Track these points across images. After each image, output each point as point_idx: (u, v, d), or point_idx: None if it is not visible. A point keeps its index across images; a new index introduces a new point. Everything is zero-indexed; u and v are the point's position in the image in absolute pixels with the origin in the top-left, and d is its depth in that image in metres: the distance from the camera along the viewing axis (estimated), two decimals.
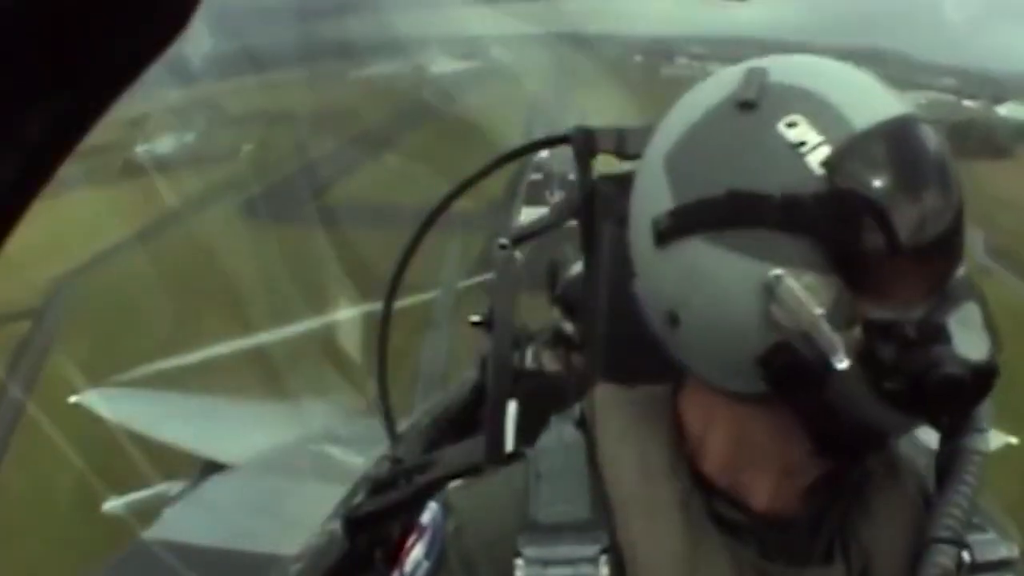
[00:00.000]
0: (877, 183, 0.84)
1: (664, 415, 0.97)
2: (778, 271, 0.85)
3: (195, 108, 20.94)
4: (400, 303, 2.21)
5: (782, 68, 0.91)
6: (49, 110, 0.39)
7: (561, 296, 2.71)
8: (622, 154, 1.42)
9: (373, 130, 21.92)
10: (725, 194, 0.87)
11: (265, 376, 10.53)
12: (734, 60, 0.95)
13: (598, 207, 1.38)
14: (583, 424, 1.01)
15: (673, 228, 0.89)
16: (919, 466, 1.03)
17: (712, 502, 0.93)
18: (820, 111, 0.87)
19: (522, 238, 1.83)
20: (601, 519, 0.92)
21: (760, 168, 0.86)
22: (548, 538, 0.91)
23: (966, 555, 0.94)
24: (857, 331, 0.85)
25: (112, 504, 8.38)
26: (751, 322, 0.86)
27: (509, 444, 1.79)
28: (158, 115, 18.11)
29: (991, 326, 0.89)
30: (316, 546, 2.24)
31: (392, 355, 2.31)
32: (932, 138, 0.89)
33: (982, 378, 0.87)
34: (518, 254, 1.84)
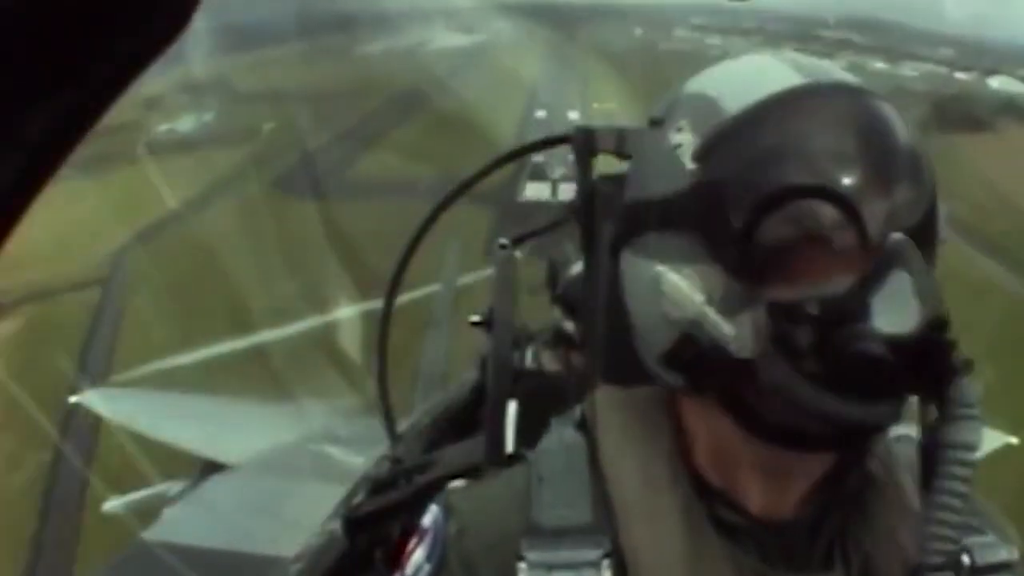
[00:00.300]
0: (738, 167, 0.85)
1: (664, 416, 0.97)
2: (660, 267, 0.89)
3: (204, 87, 21.26)
4: (401, 300, 2.21)
5: (699, 78, 0.94)
6: (49, 110, 0.39)
7: (561, 296, 2.71)
8: (622, 154, 1.42)
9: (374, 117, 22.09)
10: (627, 206, 0.95)
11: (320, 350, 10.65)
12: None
13: (598, 207, 1.38)
14: (584, 426, 1.01)
15: (613, 242, 0.98)
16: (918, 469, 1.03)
17: (712, 505, 0.93)
18: (702, 109, 0.90)
19: (522, 238, 1.83)
20: (603, 523, 0.92)
21: (652, 176, 0.92)
22: (551, 542, 0.91)
23: (965, 558, 0.94)
24: (761, 315, 0.84)
25: (112, 504, 8.38)
26: (654, 321, 0.91)
27: (509, 444, 1.79)
28: (170, 94, 18.45)
29: (926, 294, 0.82)
30: (316, 546, 2.24)
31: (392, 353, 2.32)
32: (822, 108, 0.85)
33: (907, 352, 0.81)
34: (518, 254, 1.84)
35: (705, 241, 0.87)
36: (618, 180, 1.07)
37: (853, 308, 0.82)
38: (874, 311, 0.81)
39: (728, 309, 0.85)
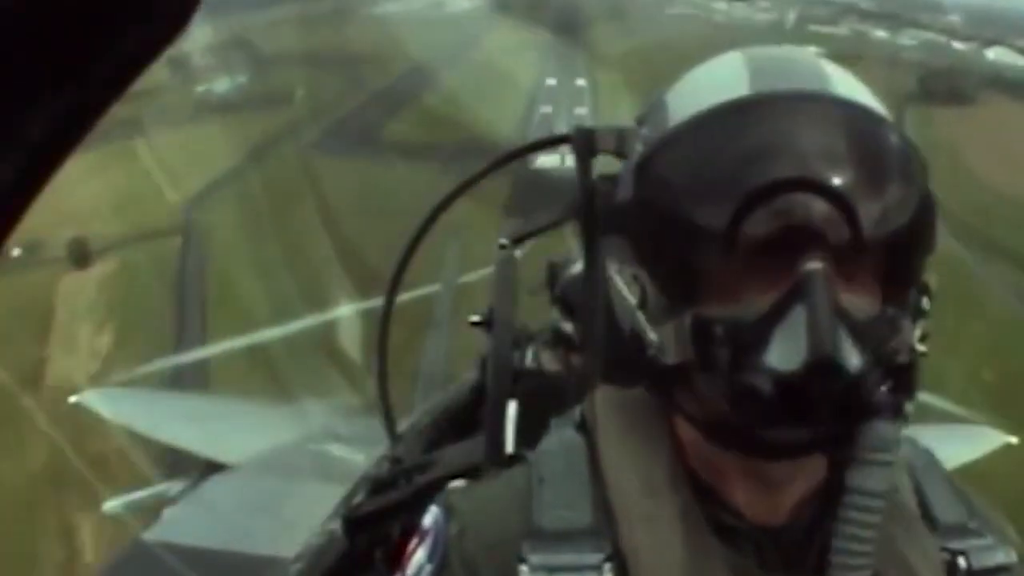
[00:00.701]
0: (663, 181, 0.87)
1: (662, 418, 0.97)
2: (612, 270, 0.93)
3: (228, 47, 21.79)
4: (401, 300, 2.21)
5: (678, 81, 0.95)
6: (49, 110, 0.39)
7: (560, 296, 2.71)
8: (622, 154, 1.42)
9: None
10: (604, 207, 1.00)
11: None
12: None
13: (598, 207, 1.39)
14: (583, 427, 1.01)
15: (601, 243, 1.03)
16: (916, 471, 1.03)
17: (711, 508, 0.93)
18: (656, 117, 0.93)
19: (522, 238, 1.83)
20: (604, 525, 0.92)
21: (621, 179, 0.96)
22: (552, 545, 0.91)
23: (962, 561, 0.94)
24: (683, 327, 0.85)
25: (112, 504, 8.38)
26: (613, 321, 0.95)
27: (509, 444, 1.79)
28: (197, 54, 19.07)
29: (819, 332, 0.78)
30: (316, 546, 2.24)
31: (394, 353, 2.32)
32: (759, 120, 0.84)
33: (793, 391, 0.79)
34: (518, 253, 1.84)
35: (636, 247, 0.90)
36: (617, 179, 1.08)
37: (754, 337, 0.81)
38: (771, 343, 0.80)
39: (655, 316, 0.88)
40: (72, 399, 9.17)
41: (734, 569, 0.90)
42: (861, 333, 0.81)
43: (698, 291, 0.84)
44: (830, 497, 0.92)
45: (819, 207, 0.80)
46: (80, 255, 13.49)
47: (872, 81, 0.92)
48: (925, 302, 0.90)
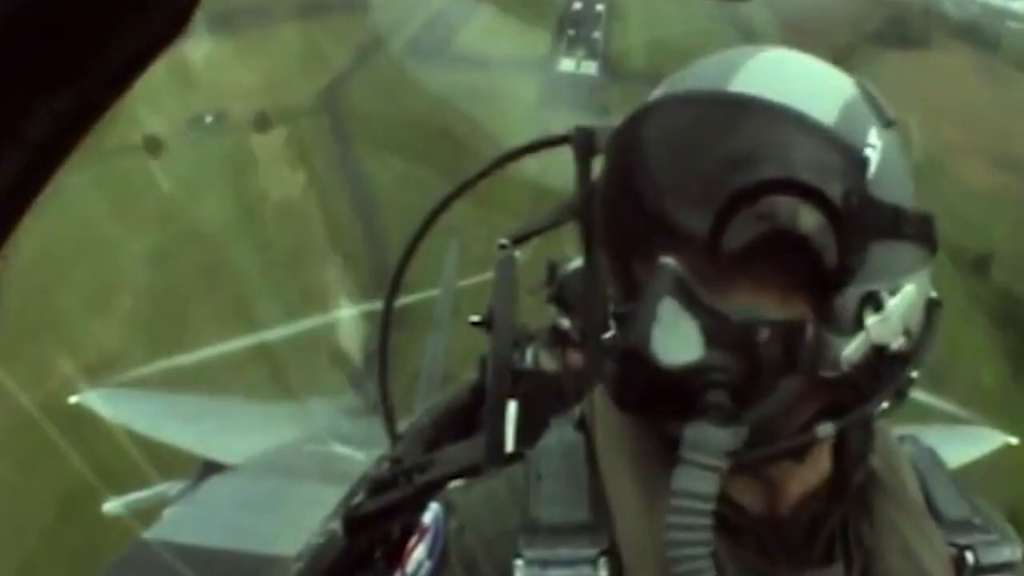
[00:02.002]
0: (602, 181, 0.91)
1: None
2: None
3: None
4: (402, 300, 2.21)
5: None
6: (49, 110, 0.39)
7: (558, 293, 2.71)
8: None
9: None
10: None
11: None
12: None
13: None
14: (583, 425, 1.01)
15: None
16: (920, 467, 1.03)
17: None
18: None
19: (522, 238, 1.83)
20: (601, 521, 0.92)
21: None
22: (548, 539, 0.91)
23: (969, 556, 0.94)
24: (614, 312, 0.90)
25: (112, 504, 8.38)
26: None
27: (509, 444, 1.79)
28: None
29: (638, 319, 0.80)
30: (316, 546, 2.24)
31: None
32: (657, 124, 0.85)
33: (615, 376, 0.85)
34: (518, 253, 1.84)
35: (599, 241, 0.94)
36: None
37: (626, 326, 0.85)
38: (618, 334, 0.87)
39: (616, 306, 0.92)
40: (72, 399, 9.16)
41: (734, 560, 0.90)
42: (721, 332, 0.80)
43: (618, 281, 0.91)
44: (836, 490, 0.93)
45: (677, 204, 0.82)
46: (262, 122, 17.06)
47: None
48: (869, 317, 0.84)
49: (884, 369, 0.85)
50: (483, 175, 1.94)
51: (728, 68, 0.86)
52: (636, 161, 0.85)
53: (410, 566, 0.98)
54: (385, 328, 2.25)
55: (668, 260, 0.81)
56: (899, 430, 1.06)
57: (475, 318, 2.14)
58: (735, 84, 0.84)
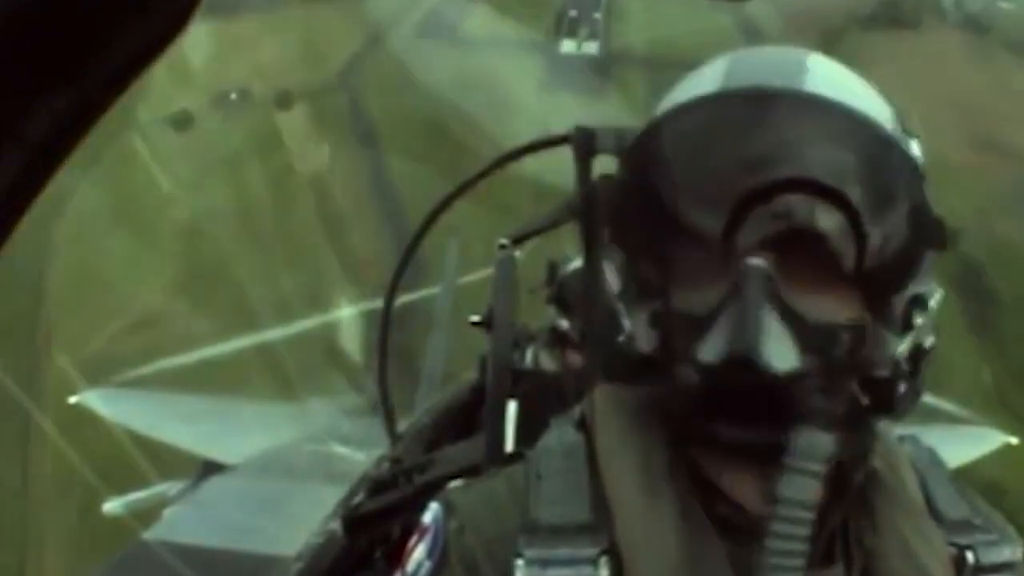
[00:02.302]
0: (636, 172, 0.89)
1: (661, 414, 0.97)
2: (605, 260, 0.94)
3: None
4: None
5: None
6: (49, 110, 0.39)
7: (558, 294, 2.71)
8: (622, 155, 1.42)
9: None
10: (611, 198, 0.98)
11: None
12: None
13: (598, 207, 1.39)
14: (583, 425, 1.01)
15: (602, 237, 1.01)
16: (920, 467, 1.03)
17: (711, 502, 0.93)
18: (654, 110, 0.93)
19: (522, 238, 1.83)
20: (601, 521, 0.92)
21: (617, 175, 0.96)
22: (548, 539, 0.91)
23: (970, 556, 0.94)
24: (652, 315, 0.86)
25: (112, 504, 8.38)
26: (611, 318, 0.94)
27: (509, 444, 1.79)
28: None
29: (744, 330, 0.77)
30: (316, 546, 2.24)
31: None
32: (730, 121, 0.83)
33: (711, 384, 0.79)
34: (518, 253, 1.84)
35: (615, 234, 0.92)
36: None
37: (695, 330, 0.81)
38: (706, 337, 0.80)
39: (631, 304, 0.89)
40: (72, 399, 9.16)
41: (734, 562, 0.90)
42: (810, 336, 0.79)
43: (665, 281, 0.85)
44: (836, 490, 0.92)
45: (783, 200, 0.79)
46: (284, 100, 18.19)
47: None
48: (918, 317, 0.87)
49: (919, 367, 0.88)
50: (483, 175, 1.94)
51: (795, 67, 0.87)
52: (713, 151, 0.82)
53: (410, 566, 0.98)
54: (385, 328, 2.25)
55: (758, 261, 0.79)
56: (899, 430, 1.05)
57: (475, 318, 2.14)
58: (809, 84, 0.85)
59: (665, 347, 0.85)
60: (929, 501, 0.99)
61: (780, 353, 0.78)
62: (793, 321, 0.79)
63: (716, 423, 0.83)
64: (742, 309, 0.78)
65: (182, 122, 16.45)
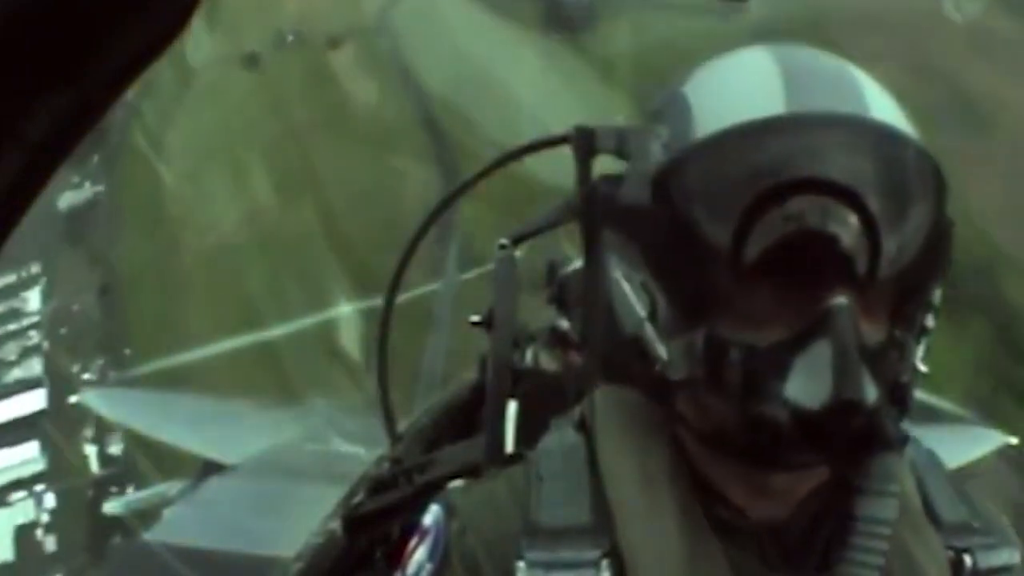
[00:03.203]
0: (688, 194, 0.84)
1: (662, 417, 0.97)
2: (617, 273, 0.91)
3: None
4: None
5: (695, 76, 0.93)
6: (49, 110, 0.39)
7: (557, 293, 2.71)
8: (622, 154, 1.42)
9: None
10: (609, 205, 0.95)
11: None
12: None
13: (598, 207, 1.38)
14: (583, 427, 1.00)
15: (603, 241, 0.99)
16: (919, 469, 1.03)
17: (711, 505, 0.93)
18: (678, 119, 0.89)
19: (522, 237, 1.83)
20: (602, 523, 0.92)
21: (631, 178, 0.92)
22: (550, 542, 0.91)
23: (968, 559, 0.94)
24: (697, 344, 0.84)
25: (112, 505, 8.38)
26: (613, 320, 0.93)
27: (509, 444, 1.78)
28: None
29: (846, 372, 0.78)
30: (316, 546, 2.24)
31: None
32: (796, 143, 0.81)
33: (811, 426, 0.79)
34: (518, 253, 1.84)
35: (651, 259, 0.88)
36: (618, 180, 1.08)
37: (772, 365, 0.80)
38: (792, 374, 0.79)
39: (666, 330, 0.87)
40: (72, 399, 9.17)
41: (734, 566, 0.90)
42: (875, 363, 0.81)
43: (713, 309, 0.83)
44: (833, 494, 0.92)
45: (840, 221, 0.78)
46: (334, 42, 19.73)
47: None
48: (930, 320, 0.89)
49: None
50: (483, 175, 1.94)
51: (855, 88, 0.86)
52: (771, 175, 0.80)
53: (411, 568, 0.97)
54: (385, 327, 2.25)
55: (844, 300, 0.79)
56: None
57: (475, 318, 2.14)
58: (873, 108, 0.85)
59: (718, 376, 0.83)
60: (928, 504, 0.99)
61: (870, 391, 0.79)
62: (865, 352, 0.80)
63: (790, 452, 0.83)
64: (841, 352, 0.78)
65: (251, 61, 18.47)
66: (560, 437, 1.01)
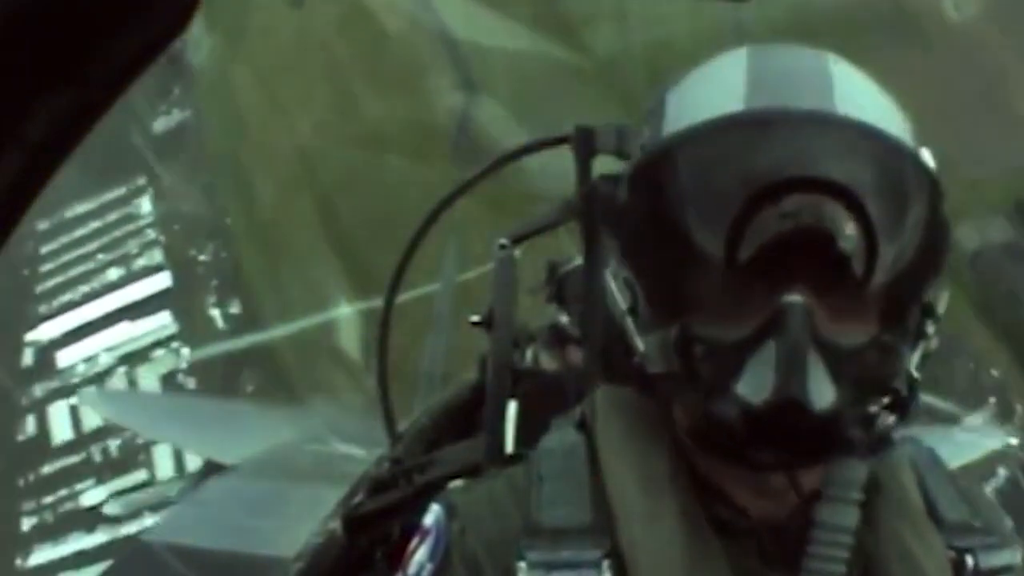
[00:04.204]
0: (654, 191, 0.85)
1: (662, 417, 0.97)
2: (607, 269, 0.92)
3: None
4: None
5: (685, 77, 0.93)
6: (49, 110, 0.39)
7: (558, 292, 2.72)
8: (622, 154, 1.42)
9: None
10: (607, 202, 0.96)
11: None
12: None
13: (598, 207, 1.38)
14: (583, 426, 1.00)
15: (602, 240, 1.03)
16: (920, 469, 1.03)
17: (711, 505, 0.93)
18: (656, 121, 0.90)
19: (522, 237, 1.83)
20: (603, 523, 0.92)
21: (623, 178, 0.92)
22: (551, 542, 0.91)
23: (970, 560, 0.94)
24: (672, 337, 0.84)
25: (112, 505, 8.37)
26: (611, 320, 0.93)
27: (509, 444, 1.78)
28: None
29: (791, 370, 0.77)
30: (316, 546, 2.24)
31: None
32: (754, 147, 0.81)
33: (761, 424, 0.79)
34: (517, 253, 1.84)
35: (629, 254, 0.89)
36: (616, 180, 1.08)
37: (729, 361, 0.80)
38: (744, 371, 0.79)
39: (644, 324, 0.88)
40: (72, 401, 9.17)
41: (735, 565, 0.90)
42: (842, 365, 0.80)
43: (686, 305, 0.84)
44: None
45: (812, 212, 0.78)
46: None
47: None
48: (929, 325, 0.88)
49: (924, 371, 0.88)
50: (483, 175, 1.94)
51: (821, 82, 0.85)
52: (734, 174, 0.80)
53: (412, 568, 0.97)
54: (385, 327, 2.25)
55: (798, 298, 0.79)
56: (899, 431, 1.05)
57: (475, 318, 2.14)
58: (840, 104, 0.84)
59: (688, 372, 0.84)
60: (929, 503, 0.99)
61: (821, 393, 0.79)
62: (828, 353, 0.79)
63: (747, 449, 0.83)
64: (787, 350, 0.78)
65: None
66: (561, 437, 1.01)
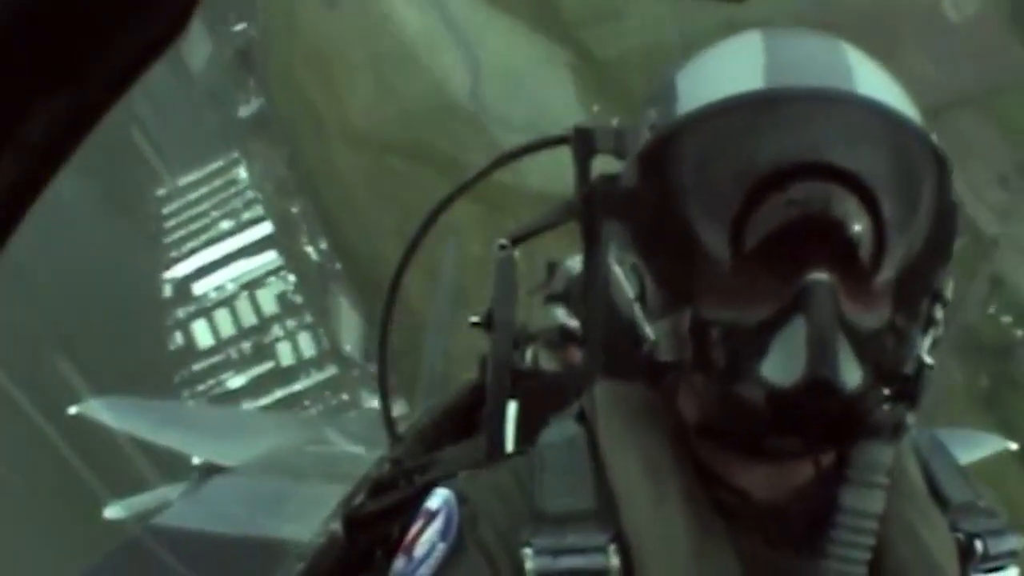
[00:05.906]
0: (668, 172, 0.84)
1: (664, 407, 0.97)
2: (611, 258, 0.91)
3: None
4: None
5: (689, 63, 0.92)
6: (49, 110, 0.39)
7: (562, 293, 2.72)
8: (621, 154, 1.42)
9: None
10: (606, 192, 0.98)
11: None
12: None
13: (598, 207, 1.38)
14: (583, 419, 1.01)
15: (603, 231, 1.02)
16: (923, 452, 1.03)
17: (715, 489, 0.93)
18: (664, 102, 0.88)
19: (522, 238, 1.83)
20: (606, 509, 0.92)
21: (626, 164, 0.91)
22: (556, 528, 0.90)
23: (979, 544, 0.94)
24: (683, 325, 0.83)
25: (113, 508, 8.37)
26: (615, 315, 0.92)
27: (509, 444, 1.78)
28: None
29: (820, 349, 0.75)
30: (316, 546, 2.24)
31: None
32: (774, 117, 0.80)
33: (788, 406, 0.77)
34: (517, 253, 1.84)
35: (637, 241, 0.87)
36: (616, 179, 1.08)
37: (752, 344, 0.79)
38: (769, 353, 0.78)
39: (653, 311, 0.87)
40: (73, 409, 9.15)
41: (740, 548, 0.90)
42: (864, 347, 0.79)
43: (698, 289, 0.82)
44: (841, 476, 0.93)
45: (833, 199, 0.77)
46: None
47: None
48: (938, 311, 0.87)
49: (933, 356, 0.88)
50: (483, 175, 1.94)
51: (838, 65, 0.84)
52: (749, 153, 0.78)
53: (420, 549, 0.96)
54: (385, 327, 2.25)
55: (823, 276, 0.77)
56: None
57: (475, 318, 2.14)
58: (860, 86, 0.82)
59: (703, 357, 0.82)
60: (933, 485, 0.99)
61: (850, 373, 0.77)
62: (852, 334, 0.78)
63: (769, 435, 0.81)
64: (816, 328, 0.76)
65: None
66: (561, 430, 1.01)
